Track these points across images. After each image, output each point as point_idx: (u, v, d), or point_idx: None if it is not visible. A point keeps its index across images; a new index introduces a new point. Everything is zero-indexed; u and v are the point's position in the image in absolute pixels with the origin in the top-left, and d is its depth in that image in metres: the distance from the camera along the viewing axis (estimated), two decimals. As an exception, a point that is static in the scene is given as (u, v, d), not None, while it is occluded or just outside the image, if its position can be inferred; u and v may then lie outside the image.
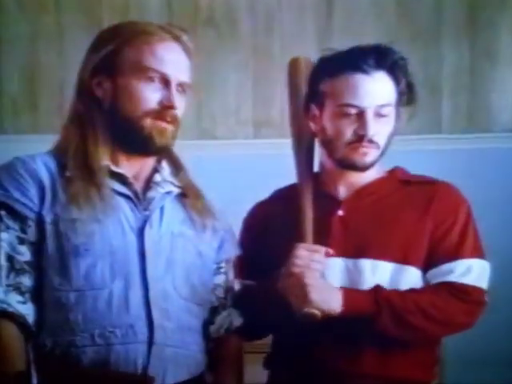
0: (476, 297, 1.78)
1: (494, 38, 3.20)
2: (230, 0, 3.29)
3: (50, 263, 1.61)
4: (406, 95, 1.83)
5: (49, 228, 1.61)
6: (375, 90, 1.77)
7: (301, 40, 3.19)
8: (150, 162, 1.74)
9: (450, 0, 3.21)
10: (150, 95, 1.66)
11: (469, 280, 1.77)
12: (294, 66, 1.94)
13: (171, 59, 1.68)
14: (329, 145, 1.82)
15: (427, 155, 3.02)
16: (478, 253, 1.81)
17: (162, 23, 1.73)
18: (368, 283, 1.76)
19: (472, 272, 1.78)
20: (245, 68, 3.30)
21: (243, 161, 3.09)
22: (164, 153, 1.74)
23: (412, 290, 1.77)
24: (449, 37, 3.22)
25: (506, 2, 3.20)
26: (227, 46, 3.29)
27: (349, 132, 1.77)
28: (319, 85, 1.82)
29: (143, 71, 1.66)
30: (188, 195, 1.76)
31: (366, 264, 1.77)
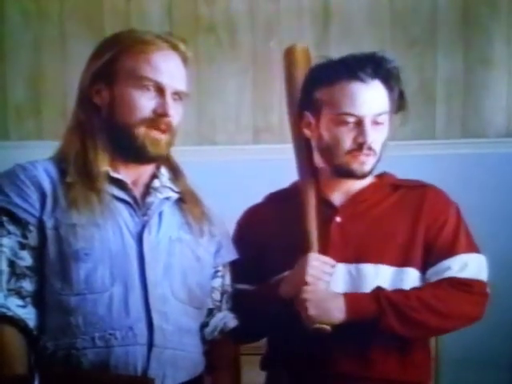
0: (478, 288, 1.80)
1: (487, 45, 3.21)
2: (230, 8, 3.28)
3: (51, 268, 1.63)
4: (398, 102, 1.85)
5: (50, 233, 1.63)
6: (372, 98, 1.78)
7: (299, 48, 3.21)
8: (149, 168, 1.75)
9: (444, 9, 3.22)
10: (145, 103, 1.67)
11: (467, 274, 1.79)
12: (290, 55, 1.92)
13: (167, 68, 1.69)
14: (327, 152, 1.83)
15: (422, 160, 3.03)
16: (473, 248, 1.84)
17: (161, 32, 1.74)
18: (370, 288, 1.77)
19: (469, 266, 1.80)
20: (244, 75, 3.30)
21: (243, 166, 3.10)
22: (159, 161, 1.76)
23: (414, 288, 1.78)
24: (443, 44, 3.23)
25: (498, 11, 3.21)
26: (227, 54, 3.29)
27: (348, 140, 1.78)
28: (314, 92, 1.82)
29: (138, 80, 1.67)
30: (186, 201, 1.78)
31: (369, 269, 1.79)
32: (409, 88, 3.12)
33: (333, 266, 1.76)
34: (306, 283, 1.73)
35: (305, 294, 1.73)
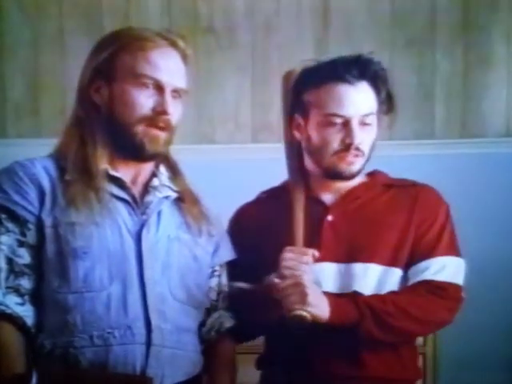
0: (452, 292, 1.82)
1: (486, 44, 3.22)
2: (229, 7, 3.29)
3: (49, 266, 1.62)
4: (386, 104, 1.86)
5: (48, 231, 1.63)
6: (359, 99, 1.81)
7: (298, 47, 3.21)
8: (148, 166, 1.75)
9: (443, 9, 3.23)
10: (144, 101, 1.67)
11: (443, 277, 1.81)
12: (288, 78, 1.93)
13: (166, 65, 1.69)
14: (315, 154, 1.85)
15: (421, 160, 3.04)
16: (453, 251, 1.85)
17: (160, 29, 1.74)
18: (359, 287, 1.79)
19: (446, 269, 1.82)
20: (243, 74, 3.31)
21: (241, 165, 3.11)
22: (157, 159, 1.76)
23: (391, 292, 1.80)
24: (442, 44, 3.24)
25: (498, 10, 3.22)
26: (226, 53, 3.30)
27: (335, 141, 1.81)
28: (303, 95, 1.85)
29: (137, 77, 1.67)
30: (184, 200, 1.78)
31: (359, 268, 1.80)
32: (408, 88, 3.19)
33: (313, 255, 1.76)
34: (282, 276, 1.73)
35: (283, 283, 1.72)
